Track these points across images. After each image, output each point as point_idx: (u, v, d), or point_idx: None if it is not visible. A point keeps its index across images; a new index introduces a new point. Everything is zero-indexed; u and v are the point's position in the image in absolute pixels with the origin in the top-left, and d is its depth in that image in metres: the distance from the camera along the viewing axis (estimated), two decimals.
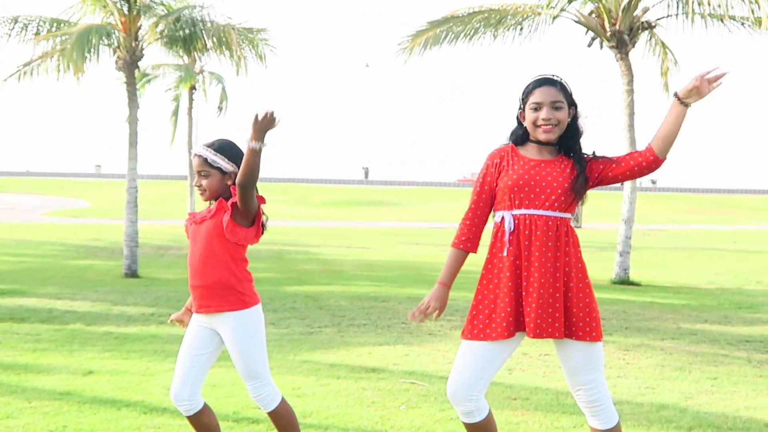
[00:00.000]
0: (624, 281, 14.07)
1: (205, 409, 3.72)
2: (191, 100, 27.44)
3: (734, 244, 24.96)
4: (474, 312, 3.40)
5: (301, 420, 4.82)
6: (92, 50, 12.63)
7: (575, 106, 3.48)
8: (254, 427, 4.66)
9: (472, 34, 13.92)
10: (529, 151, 3.47)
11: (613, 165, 3.39)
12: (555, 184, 3.35)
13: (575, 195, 3.38)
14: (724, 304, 11.16)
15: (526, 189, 3.35)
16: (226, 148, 3.65)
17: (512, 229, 3.34)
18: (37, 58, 13.55)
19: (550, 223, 3.33)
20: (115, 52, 13.84)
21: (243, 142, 3.43)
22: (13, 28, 13.39)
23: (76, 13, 14.13)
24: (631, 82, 13.92)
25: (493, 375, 3.43)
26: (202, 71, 27.06)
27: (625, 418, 4.99)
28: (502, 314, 3.31)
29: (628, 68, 13.89)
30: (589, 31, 14.09)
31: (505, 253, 3.35)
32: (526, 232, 3.33)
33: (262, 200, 3.61)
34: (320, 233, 27.56)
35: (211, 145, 3.65)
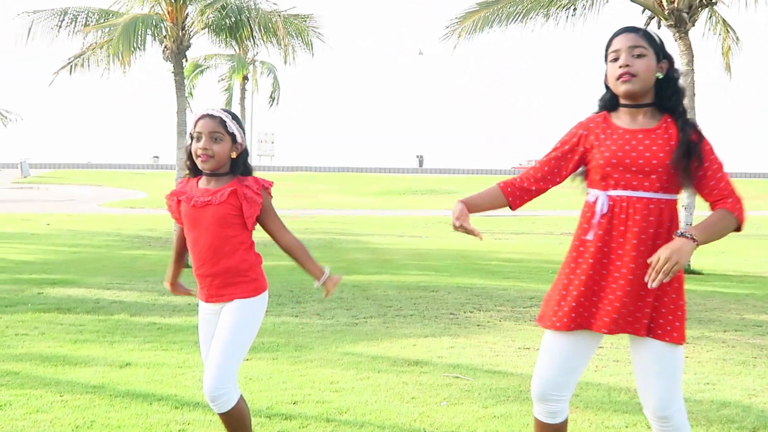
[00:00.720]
0: (685, 270, 13.51)
1: (240, 400, 3.44)
2: (243, 90, 27.46)
3: None
4: (554, 298, 3.01)
5: (336, 416, 4.61)
6: (139, 41, 12.61)
7: (669, 59, 3.00)
8: (287, 424, 4.46)
9: (523, 14, 13.52)
10: (623, 120, 2.99)
11: (709, 180, 2.91)
12: (655, 161, 2.88)
13: (677, 169, 2.87)
14: None
15: (621, 168, 2.89)
16: (238, 119, 3.49)
17: (605, 212, 2.91)
18: (86, 49, 13.61)
19: (651, 206, 2.88)
20: (162, 42, 13.82)
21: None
22: (63, 19, 13.47)
23: (125, 4, 14.16)
24: (691, 62, 13.35)
25: (582, 371, 3.06)
26: (253, 61, 27.05)
27: None
28: (573, 304, 2.93)
29: (688, 48, 13.33)
30: (646, 10, 13.56)
31: (590, 237, 2.94)
32: (622, 216, 2.89)
33: (269, 183, 3.55)
34: (373, 222, 27.41)
35: (225, 111, 3.47)
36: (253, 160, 29.71)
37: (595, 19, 14.11)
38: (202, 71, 25.99)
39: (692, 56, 13.40)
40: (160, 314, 8.51)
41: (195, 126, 3.42)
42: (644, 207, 2.88)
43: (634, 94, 2.95)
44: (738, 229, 2.91)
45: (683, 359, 2.97)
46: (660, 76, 2.96)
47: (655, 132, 2.94)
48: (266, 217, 3.46)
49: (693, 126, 2.97)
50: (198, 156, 3.38)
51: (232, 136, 3.39)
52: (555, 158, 3.08)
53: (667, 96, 2.98)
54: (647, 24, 13.70)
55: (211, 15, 13.04)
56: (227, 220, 3.37)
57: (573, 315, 2.93)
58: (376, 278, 11.92)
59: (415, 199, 42.97)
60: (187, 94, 26.68)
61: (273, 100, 27.48)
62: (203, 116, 3.40)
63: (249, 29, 13.21)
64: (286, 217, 30.54)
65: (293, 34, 13.83)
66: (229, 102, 27.14)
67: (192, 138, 3.46)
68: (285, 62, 14.57)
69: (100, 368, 5.81)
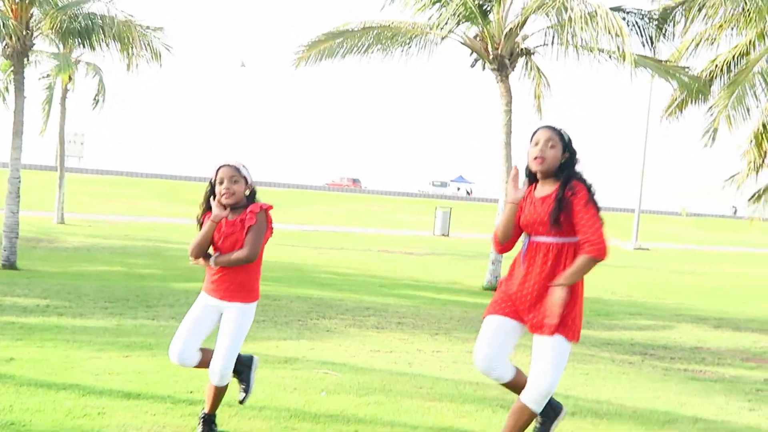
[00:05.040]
0: (494, 288, 15.05)
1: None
2: (65, 90, 26.67)
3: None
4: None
5: (233, 404, 5.24)
6: None
7: (572, 152, 4.19)
8: (192, 409, 5.03)
9: (365, 48, 14.58)
10: (538, 189, 4.20)
11: (579, 227, 4.04)
12: (546, 218, 4.06)
13: (551, 221, 4.04)
14: (585, 312, 12.26)
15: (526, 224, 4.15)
16: (247, 167, 4.53)
17: (524, 251, 4.15)
18: None
19: (551, 247, 4.08)
20: (3, 39, 13.57)
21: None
22: None
23: None
24: (509, 103, 14.98)
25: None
26: (78, 61, 26.39)
27: None
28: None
29: (508, 90, 14.95)
30: (474, 53, 15.06)
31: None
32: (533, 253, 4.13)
33: (269, 206, 4.52)
34: (191, 231, 27.33)
35: (236, 161, 4.48)
36: (66, 162, 28.13)
37: (427, 57, 15.45)
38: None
39: (511, 98, 15.03)
40: (14, 314, 8.63)
41: (217, 173, 4.41)
42: (546, 247, 4.11)
43: (543, 173, 4.18)
44: (601, 260, 4.01)
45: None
46: (562, 161, 4.16)
47: (550, 196, 4.13)
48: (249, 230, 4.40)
49: (571, 187, 4.07)
50: (222, 194, 4.39)
51: (245, 178, 4.48)
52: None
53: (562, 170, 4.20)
54: (473, 65, 15.22)
55: (60, 18, 12.97)
56: (240, 243, 4.39)
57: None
58: None
59: None
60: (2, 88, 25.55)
61: (97, 103, 26.89)
62: (223, 166, 4.42)
63: (100, 35, 13.29)
64: (102, 222, 29.82)
65: (144, 45, 14.05)
66: (49, 101, 26.23)
67: (213, 183, 4.45)
68: (128, 68, 14.75)
69: None
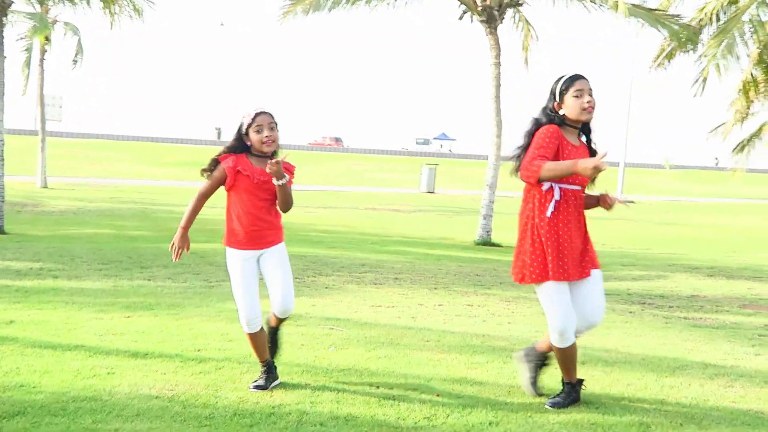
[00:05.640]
0: (486, 242, 15.07)
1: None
2: (43, 50, 26.14)
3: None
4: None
5: (244, 360, 5.20)
6: None
7: None
8: (203, 366, 4.98)
9: (352, 1, 14.32)
10: (569, 137, 4.36)
11: None
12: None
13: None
14: None
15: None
16: None
17: (558, 198, 4.30)
18: None
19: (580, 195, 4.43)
20: None
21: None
22: None
23: None
24: (498, 55, 14.81)
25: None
26: (55, 21, 25.83)
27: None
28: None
29: (496, 42, 14.77)
30: (462, 5, 14.83)
31: (548, 213, 4.31)
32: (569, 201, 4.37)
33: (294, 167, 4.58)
34: (179, 193, 27.21)
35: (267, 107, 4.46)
36: (47, 125, 27.64)
37: (415, 10, 15.20)
38: None
39: (500, 50, 14.86)
40: (8, 278, 8.50)
41: (254, 120, 4.39)
42: (579, 195, 4.45)
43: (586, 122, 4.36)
44: None
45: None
46: None
47: (583, 148, 4.47)
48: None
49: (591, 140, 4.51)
50: (264, 142, 4.38)
51: (276, 125, 4.43)
52: (552, 151, 4.24)
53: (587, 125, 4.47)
54: (461, 18, 15.01)
55: None
56: (273, 191, 4.45)
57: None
58: (210, 246, 12.25)
59: None
60: None
61: (75, 63, 26.37)
62: (261, 113, 4.36)
63: None
64: (85, 185, 29.53)
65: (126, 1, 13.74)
66: (28, 63, 25.67)
67: (244, 129, 4.42)
68: (111, 26, 14.44)
69: None
